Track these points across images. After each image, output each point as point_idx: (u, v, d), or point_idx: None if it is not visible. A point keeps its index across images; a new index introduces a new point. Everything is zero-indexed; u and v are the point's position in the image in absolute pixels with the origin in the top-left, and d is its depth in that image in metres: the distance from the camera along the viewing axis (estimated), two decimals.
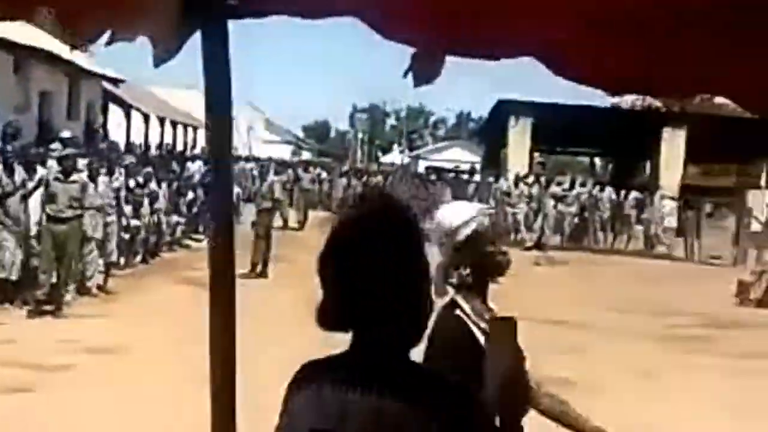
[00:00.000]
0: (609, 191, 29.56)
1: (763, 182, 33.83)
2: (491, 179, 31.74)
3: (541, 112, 31.17)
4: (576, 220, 28.04)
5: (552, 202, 27.41)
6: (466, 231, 3.17)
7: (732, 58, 1.92)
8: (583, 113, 30.80)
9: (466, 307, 3.14)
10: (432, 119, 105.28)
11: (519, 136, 32.95)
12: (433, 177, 37.45)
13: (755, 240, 23.55)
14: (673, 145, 32.04)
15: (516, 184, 28.74)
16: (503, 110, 33.60)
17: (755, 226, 24.97)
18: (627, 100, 49.80)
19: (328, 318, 1.88)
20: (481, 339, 3.06)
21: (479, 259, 3.18)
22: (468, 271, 3.17)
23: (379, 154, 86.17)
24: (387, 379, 1.82)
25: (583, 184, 30.03)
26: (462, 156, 59.02)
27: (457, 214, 3.24)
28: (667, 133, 32.30)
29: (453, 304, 3.16)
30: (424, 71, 2.02)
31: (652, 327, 13.52)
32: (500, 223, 28.19)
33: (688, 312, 15.32)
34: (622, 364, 10.86)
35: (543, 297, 16.60)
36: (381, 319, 1.85)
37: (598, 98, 32.81)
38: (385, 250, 1.87)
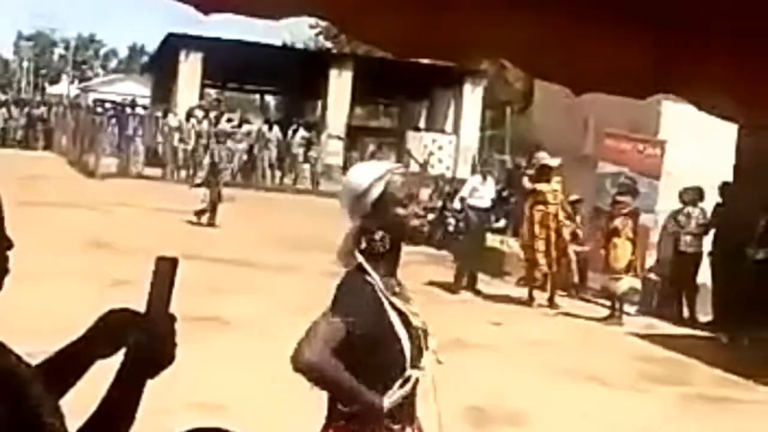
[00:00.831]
0: (276, 130, 29.94)
1: (422, 124, 35.59)
2: (159, 114, 31.13)
3: (212, 47, 30.80)
4: (245, 157, 28.20)
5: (221, 139, 27.27)
6: (376, 191, 2.93)
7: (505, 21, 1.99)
8: (254, 50, 30.84)
9: (375, 275, 2.92)
10: (103, 50, 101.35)
11: (189, 70, 32.39)
12: (99, 110, 36.14)
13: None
14: (340, 85, 32.88)
15: (187, 119, 28.40)
16: (173, 44, 32.86)
17: (413, 167, 26.30)
18: (300, 39, 50.42)
19: None
20: (392, 314, 2.91)
21: (391, 223, 2.93)
22: (380, 236, 2.94)
23: (47, 84, 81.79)
24: None
25: (251, 122, 30.23)
26: (134, 90, 57.29)
27: (365, 174, 3.00)
28: (334, 73, 33.06)
29: (362, 270, 2.95)
30: None
31: (319, 264, 13.86)
32: (168, 159, 27.81)
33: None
34: (288, 302, 11.09)
35: (210, 235, 16.65)
36: None
37: (271, 36, 32.94)
38: None
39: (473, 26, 2.06)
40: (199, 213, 17.88)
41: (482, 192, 14.02)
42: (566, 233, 13.24)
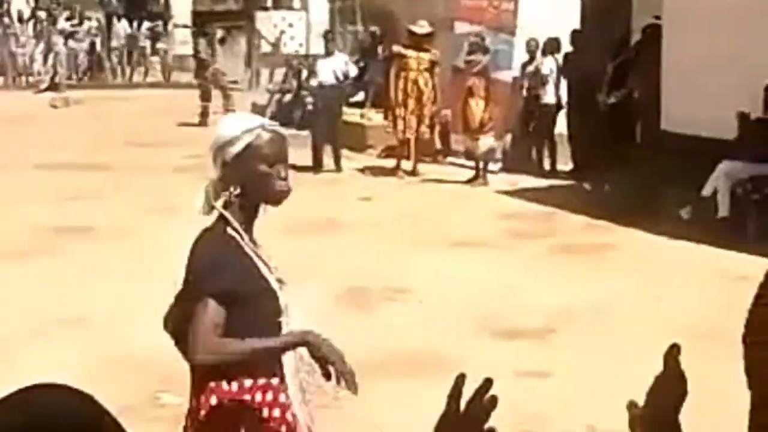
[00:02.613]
0: (123, 23, 28.78)
1: (269, 3, 34.73)
2: None
3: None
4: (90, 56, 27.11)
5: (62, 40, 26.16)
6: (241, 144, 2.81)
7: None
8: None
9: (238, 226, 2.83)
10: None
11: None
12: None
13: (266, 62, 24.31)
14: None
15: (20, 21, 27.00)
16: None
17: (265, 47, 25.74)
18: None
19: None
20: (260, 264, 2.86)
21: (251, 180, 2.82)
22: (237, 191, 2.82)
23: None
24: None
25: (92, 18, 28.91)
26: None
27: (235, 124, 2.90)
28: None
29: (223, 221, 2.84)
30: None
31: (173, 160, 13.53)
32: (7, 67, 26.50)
33: (203, 142, 15.56)
34: (146, 203, 10.80)
35: (64, 139, 15.98)
36: None
37: None
38: None
39: None
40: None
41: (330, 66, 13.81)
42: (428, 100, 13.21)
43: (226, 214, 2.84)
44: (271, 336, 2.83)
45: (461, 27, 14.37)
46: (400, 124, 13.16)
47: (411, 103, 13.10)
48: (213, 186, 2.89)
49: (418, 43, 13.16)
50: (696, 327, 6.26)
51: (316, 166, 13.38)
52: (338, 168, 13.48)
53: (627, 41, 12.49)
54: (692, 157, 9.53)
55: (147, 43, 28.80)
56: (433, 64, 13.23)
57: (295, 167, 13.03)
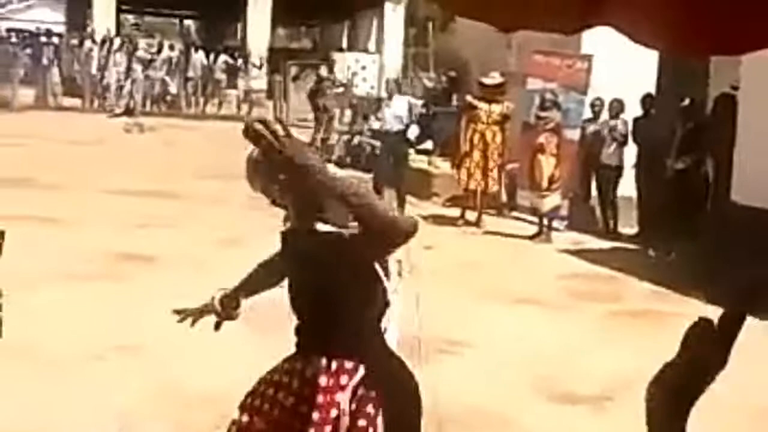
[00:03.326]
0: (200, 55, 29.33)
1: (344, 44, 35.19)
2: (75, 41, 30.20)
3: None
4: (166, 84, 27.62)
5: (140, 67, 26.73)
6: None
7: None
8: None
9: None
10: None
11: None
12: (13, 39, 34.94)
13: (339, 101, 24.55)
14: (259, 7, 32.21)
15: (102, 47, 27.64)
16: None
17: (337, 88, 26.01)
18: None
19: None
20: None
21: None
22: None
23: None
24: None
25: (171, 47, 29.50)
26: (50, 17, 55.55)
27: None
28: None
29: None
30: None
31: (243, 194, 13.67)
32: (86, 89, 27.10)
33: None
34: (214, 235, 10.92)
35: (135, 165, 16.25)
36: None
37: None
38: None
39: None
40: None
41: (393, 111, 13.94)
42: (496, 154, 13.22)
43: None
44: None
45: (534, 83, 14.38)
46: (465, 175, 13.19)
47: (477, 154, 13.13)
48: None
49: (489, 94, 13.22)
50: (757, 404, 6.13)
51: None
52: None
53: (699, 108, 12.38)
54: (762, 231, 9.37)
55: (223, 77, 29.26)
56: (504, 117, 13.25)
57: None
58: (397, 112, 13.90)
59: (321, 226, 3.01)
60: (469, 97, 13.76)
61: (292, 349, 3.20)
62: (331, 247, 2.94)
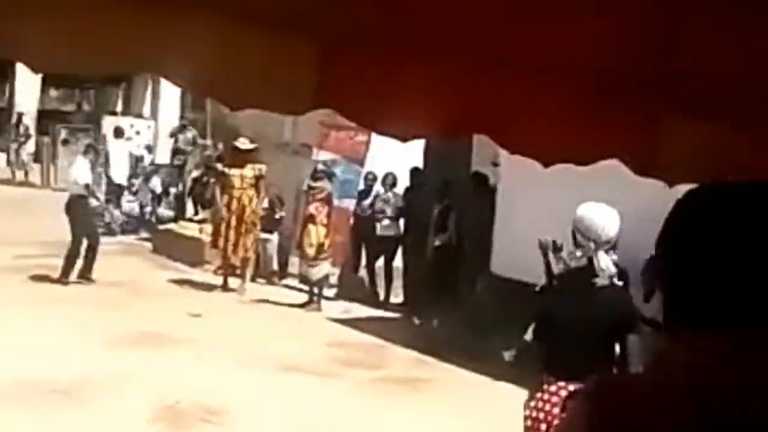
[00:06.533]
0: None
1: (119, 108, 34.50)
2: None
3: None
4: None
5: None
6: None
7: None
8: None
9: None
10: None
11: None
12: None
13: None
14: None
15: None
16: None
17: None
18: None
19: None
20: None
21: None
22: None
23: None
24: None
25: None
26: None
27: None
28: None
29: None
30: None
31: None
32: None
33: (39, 241, 15.17)
34: None
35: None
36: None
37: None
38: None
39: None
40: None
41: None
42: (253, 218, 13.29)
43: None
44: None
45: (322, 154, 14.45)
46: (221, 242, 13.20)
47: (234, 220, 13.15)
48: None
49: (241, 160, 13.29)
50: None
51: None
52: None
53: (453, 186, 12.63)
54: (519, 302, 9.84)
55: None
56: (257, 179, 13.32)
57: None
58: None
59: None
60: (219, 165, 13.85)
61: None
62: None
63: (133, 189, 19.19)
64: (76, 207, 12.99)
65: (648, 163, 2.27)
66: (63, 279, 12.52)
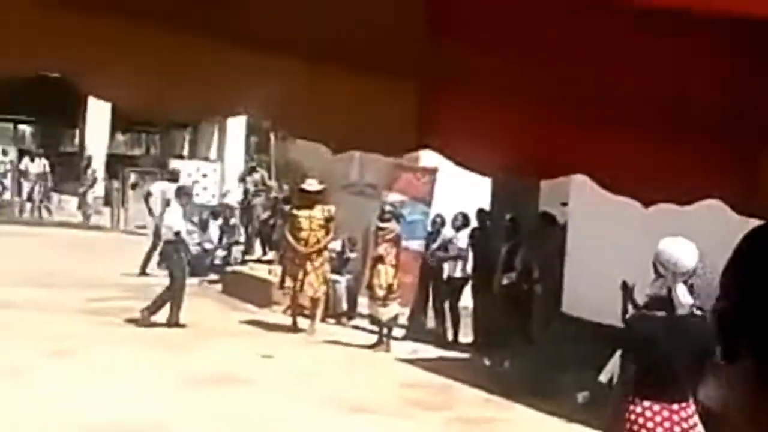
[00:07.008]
0: (36, 161, 28.64)
1: (185, 152, 35.03)
2: None
3: None
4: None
5: None
6: None
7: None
8: (4, 76, 29.30)
9: None
10: None
11: None
12: None
13: None
14: (99, 113, 31.81)
15: None
16: None
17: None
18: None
19: None
20: None
21: None
22: None
23: None
24: None
25: (4, 152, 28.76)
26: None
27: None
28: (92, 100, 31.93)
29: None
30: None
31: (78, 302, 13.37)
32: None
33: (112, 283, 15.42)
34: (40, 343, 10.59)
35: None
36: None
37: None
38: None
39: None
40: None
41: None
42: (321, 259, 13.35)
43: None
44: None
45: (391, 196, 14.47)
46: (289, 282, 13.25)
47: (302, 260, 13.18)
48: None
49: (309, 201, 13.35)
50: None
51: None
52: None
53: (520, 226, 12.52)
54: (592, 342, 9.74)
55: (59, 182, 28.65)
56: (327, 220, 13.36)
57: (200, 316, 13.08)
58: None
59: None
60: (287, 206, 13.89)
61: None
62: None
63: (201, 232, 19.40)
64: (170, 252, 13.22)
65: (747, 202, 2.27)
66: (171, 322, 12.67)
